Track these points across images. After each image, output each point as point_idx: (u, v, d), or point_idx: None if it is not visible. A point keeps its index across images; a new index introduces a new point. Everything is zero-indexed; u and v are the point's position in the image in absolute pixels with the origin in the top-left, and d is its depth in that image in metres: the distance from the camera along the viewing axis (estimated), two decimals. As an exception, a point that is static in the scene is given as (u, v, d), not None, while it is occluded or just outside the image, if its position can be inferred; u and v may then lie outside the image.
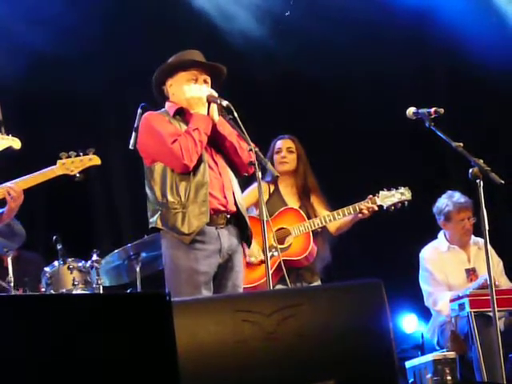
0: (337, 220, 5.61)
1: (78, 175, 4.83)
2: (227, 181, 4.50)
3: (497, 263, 6.13)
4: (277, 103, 7.42)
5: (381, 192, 5.66)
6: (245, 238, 4.57)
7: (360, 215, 5.58)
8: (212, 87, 4.57)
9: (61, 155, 4.79)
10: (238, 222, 4.52)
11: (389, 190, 5.68)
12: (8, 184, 4.66)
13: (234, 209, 4.48)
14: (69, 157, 4.80)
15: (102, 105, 7.56)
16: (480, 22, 7.42)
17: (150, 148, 4.50)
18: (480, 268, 6.08)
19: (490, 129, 7.59)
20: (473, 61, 7.26)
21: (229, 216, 4.47)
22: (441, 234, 6.33)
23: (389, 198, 5.65)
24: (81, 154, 4.84)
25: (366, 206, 5.57)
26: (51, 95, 7.08)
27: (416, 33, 7.66)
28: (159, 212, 4.41)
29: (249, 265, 5.28)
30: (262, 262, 5.45)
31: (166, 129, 4.44)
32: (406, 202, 5.70)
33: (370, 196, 5.62)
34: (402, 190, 5.70)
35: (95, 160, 4.90)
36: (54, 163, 4.82)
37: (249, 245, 4.64)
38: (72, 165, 4.81)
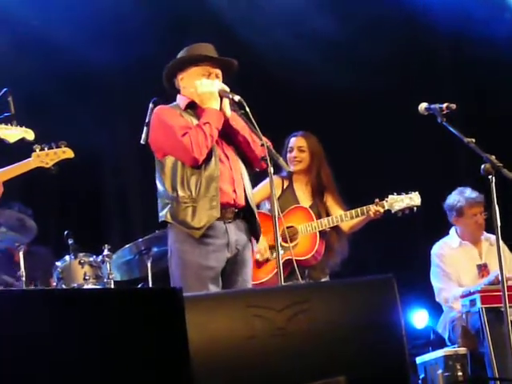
0: (344, 221, 5.57)
1: (52, 168, 4.81)
2: (238, 175, 4.49)
3: (510, 260, 6.10)
4: (290, 101, 7.39)
5: (390, 196, 5.51)
6: (254, 232, 4.56)
7: (370, 217, 5.54)
8: (223, 81, 4.56)
9: (35, 147, 4.77)
10: (247, 216, 4.51)
11: (398, 194, 5.57)
12: None
13: (243, 203, 4.47)
14: (42, 149, 4.78)
15: (115, 99, 7.56)
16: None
17: (160, 141, 4.49)
18: (492, 264, 6.06)
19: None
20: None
21: (237, 210, 4.45)
22: (452, 230, 6.31)
23: (397, 202, 5.51)
24: (53, 146, 4.83)
25: (373, 208, 5.50)
26: (63, 89, 7.09)
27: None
28: (169, 206, 4.39)
29: (255, 262, 5.27)
30: (268, 260, 5.46)
31: (176, 122, 4.43)
32: (415, 208, 5.56)
33: (377, 200, 5.50)
34: (411, 194, 5.54)
35: (68, 153, 4.88)
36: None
37: (257, 239, 4.63)
38: (47, 157, 4.79)
